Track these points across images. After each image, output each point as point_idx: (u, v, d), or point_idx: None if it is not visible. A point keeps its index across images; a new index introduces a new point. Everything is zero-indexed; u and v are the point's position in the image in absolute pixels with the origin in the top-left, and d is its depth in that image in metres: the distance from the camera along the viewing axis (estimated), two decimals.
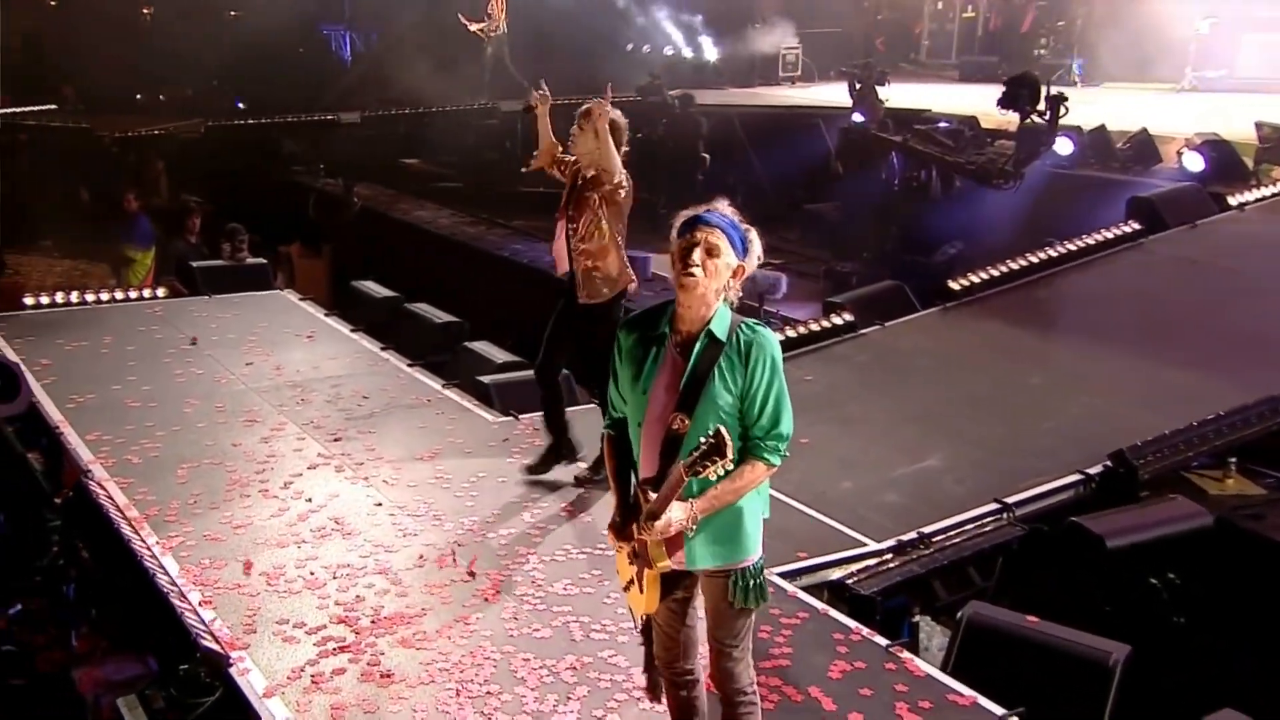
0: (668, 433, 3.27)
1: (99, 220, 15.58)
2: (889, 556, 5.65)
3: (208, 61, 20.84)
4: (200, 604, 4.73)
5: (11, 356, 7.58)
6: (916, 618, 5.77)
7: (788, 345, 8.16)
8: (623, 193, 5.58)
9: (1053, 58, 20.06)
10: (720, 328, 3.26)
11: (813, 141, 15.57)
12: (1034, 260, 9.43)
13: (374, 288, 9.48)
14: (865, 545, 5.70)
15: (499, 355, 7.93)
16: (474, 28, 17.75)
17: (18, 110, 19.42)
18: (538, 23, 17.62)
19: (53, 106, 19.66)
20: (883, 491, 6.25)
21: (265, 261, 10.19)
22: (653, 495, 3.23)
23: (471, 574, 5.11)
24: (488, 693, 4.24)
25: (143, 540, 5.17)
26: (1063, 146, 12.26)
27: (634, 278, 5.85)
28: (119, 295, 9.16)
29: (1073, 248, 9.60)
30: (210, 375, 7.48)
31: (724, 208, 3.30)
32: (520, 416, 7.00)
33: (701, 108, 15.74)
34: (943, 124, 13.59)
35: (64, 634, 6.00)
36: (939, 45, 23.07)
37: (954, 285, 8.98)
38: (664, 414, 3.28)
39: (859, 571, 5.53)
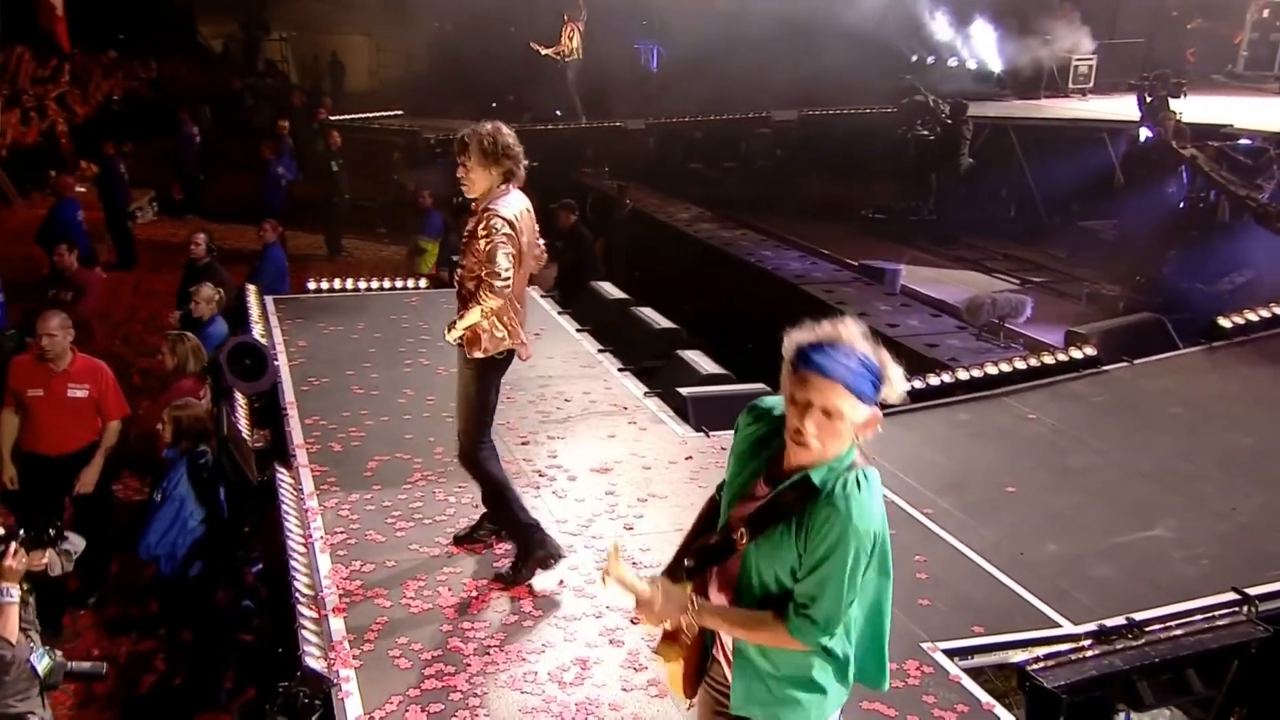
0: (728, 534, 2.58)
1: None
2: (1086, 644, 4.45)
3: (547, 73, 21.26)
4: (334, 610, 4.34)
5: (278, 337, 7.69)
6: (1122, 714, 4.54)
7: (1015, 378, 6.90)
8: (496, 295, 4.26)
9: None
10: (822, 476, 2.46)
11: (1095, 156, 13.61)
12: None
13: (608, 289, 8.97)
14: (1059, 627, 4.52)
15: (707, 366, 7.17)
16: (546, 52, 17.27)
17: (368, 115, 20.74)
18: (820, 35, 16.63)
19: (399, 112, 20.82)
20: (1094, 562, 4.99)
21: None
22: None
23: None
24: None
25: (305, 534, 4.87)
26: None
27: (523, 341, 4.56)
28: (385, 284, 9.15)
29: None
30: (433, 367, 7.21)
31: (852, 334, 2.42)
32: (711, 433, 6.25)
33: (975, 117, 14.17)
34: (1244, 141, 11.42)
35: None
36: (1260, 56, 19.78)
37: (1224, 323, 7.28)
38: (740, 517, 2.58)
39: (1046, 658, 4.37)
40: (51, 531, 4.16)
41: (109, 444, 6.18)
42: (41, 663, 4.21)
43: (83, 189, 15.07)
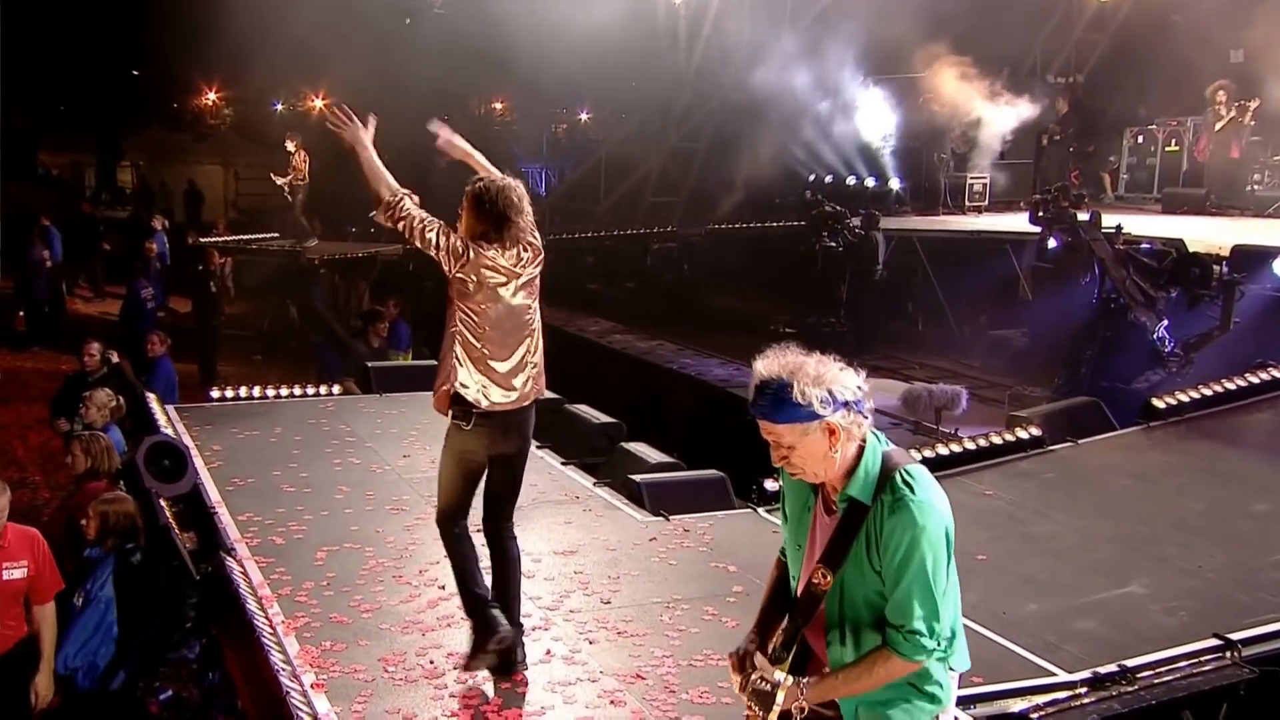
0: (808, 585, 2.73)
1: (305, 335, 16.32)
2: (1083, 690, 4.75)
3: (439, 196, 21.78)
4: (313, 686, 4.32)
5: (188, 442, 7.60)
6: None
7: (964, 459, 7.36)
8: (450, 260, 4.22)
9: (1267, 190, 18.56)
10: (861, 489, 2.66)
11: (1000, 265, 14.69)
12: (1252, 381, 8.31)
13: None
14: (1054, 675, 4.82)
15: (654, 456, 7.42)
16: (280, 181, 18.41)
17: (245, 238, 20.78)
18: (717, 158, 17.71)
19: (274, 235, 20.91)
20: (1075, 617, 5.35)
21: (436, 363, 10.09)
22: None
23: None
24: None
25: (266, 618, 4.84)
26: None
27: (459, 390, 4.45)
28: (296, 391, 9.17)
29: None
30: (366, 466, 7.28)
31: (761, 368, 2.65)
32: (671, 516, 6.46)
33: (884, 230, 15.23)
34: (1145, 245, 12.57)
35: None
36: (1139, 179, 21.83)
37: (1158, 403, 7.97)
38: (810, 568, 2.76)
39: (1046, 705, 4.66)
40: None
41: (51, 636, 5.01)
42: None
43: None
